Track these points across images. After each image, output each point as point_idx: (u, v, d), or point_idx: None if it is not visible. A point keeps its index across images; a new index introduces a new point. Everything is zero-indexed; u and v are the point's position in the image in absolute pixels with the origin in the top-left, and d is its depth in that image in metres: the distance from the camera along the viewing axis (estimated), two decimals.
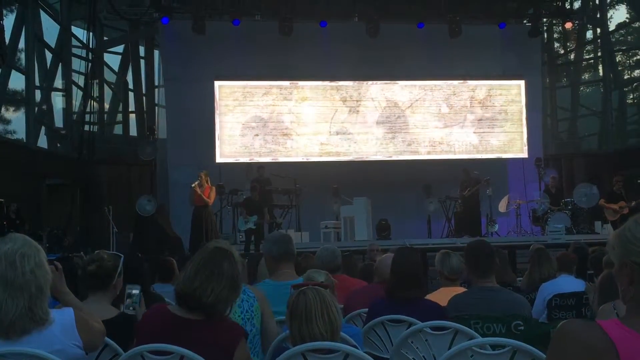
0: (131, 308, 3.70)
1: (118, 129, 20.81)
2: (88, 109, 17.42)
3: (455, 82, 18.13)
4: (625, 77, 24.67)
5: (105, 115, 20.09)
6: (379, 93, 17.86)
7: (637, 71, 26.54)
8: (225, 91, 17.32)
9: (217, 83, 17.15)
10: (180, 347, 2.86)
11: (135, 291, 3.79)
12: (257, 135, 17.26)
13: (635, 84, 24.69)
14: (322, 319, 2.95)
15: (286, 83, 17.55)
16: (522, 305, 4.37)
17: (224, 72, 17.26)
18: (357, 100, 17.72)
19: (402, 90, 17.94)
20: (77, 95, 17.84)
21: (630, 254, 1.90)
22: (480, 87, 18.21)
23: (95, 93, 18.08)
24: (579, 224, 15.23)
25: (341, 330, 3.11)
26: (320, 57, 17.40)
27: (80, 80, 17.86)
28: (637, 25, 25.05)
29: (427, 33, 17.76)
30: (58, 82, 18.21)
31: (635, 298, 1.91)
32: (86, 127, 17.35)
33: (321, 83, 17.69)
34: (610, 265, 5.05)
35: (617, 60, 23.14)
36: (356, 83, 17.82)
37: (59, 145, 18.11)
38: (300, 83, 17.62)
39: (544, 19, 19.91)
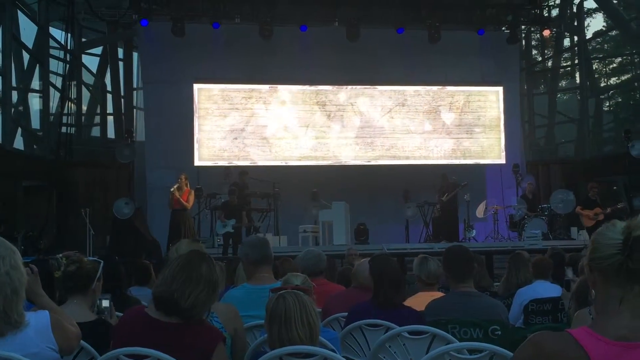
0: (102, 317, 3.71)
1: (95, 131, 20.66)
2: (65, 111, 17.29)
3: (434, 88, 18.21)
4: (602, 84, 24.97)
5: (83, 117, 19.93)
6: (359, 98, 17.89)
7: (613, 79, 26.87)
8: (204, 94, 17.26)
9: (196, 86, 17.09)
10: (157, 350, 2.84)
11: (106, 304, 3.79)
12: (235, 138, 17.22)
13: (611, 91, 24.98)
14: (301, 323, 2.95)
15: (265, 87, 17.52)
16: (500, 310, 4.40)
17: (203, 75, 17.20)
18: (336, 105, 17.74)
19: (382, 95, 17.99)
20: (54, 96, 17.66)
21: (592, 255, 1.94)
22: (459, 93, 18.30)
23: (73, 95, 17.96)
24: (555, 230, 15.35)
25: (320, 334, 3.11)
26: (300, 62, 17.39)
27: (58, 82, 17.71)
28: (613, 33, 25.36)
29: (407, 38, 17.78)
30: (35, 83, 18.04)
31: (598, 301, 1.94)
32: (63, 129, 17.23)
33: (301, 87, 17.68)
34: None
35: (594, 68, 23.40)
36: (335, 87, 17.84)
37: (35, 146, 17.94)
38: (280, 87, 17.59)
39: (523, 26, 20.06)
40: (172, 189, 13.57)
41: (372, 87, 17.97)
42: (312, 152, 17.50)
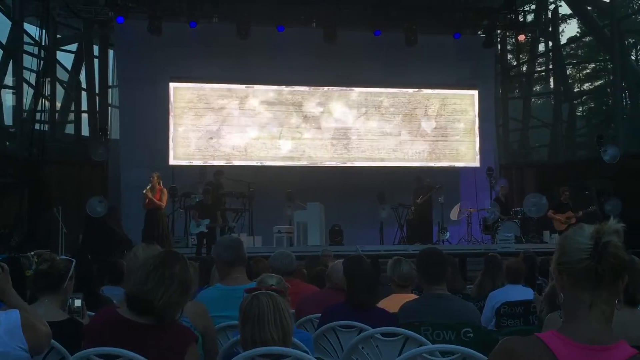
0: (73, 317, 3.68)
1: (69, 129, 20.45)
2: (39, 108, 17.11)
3: (410, 91, 18.28)
4: (575, 90, 25.25)
5: (57, 114, 19.70)
6: (335, 99, 17.92)
7: (586, 84, 27.20)
8: (180, 93, 17.19)
9: (172, 85, 17.01)
10: (129, 350, 2.82)
11: (78, 304, 3.76)
12: (211, 138, 17.17)
13: (584, 97, 25.27)
14: (274, 325, 2.94)
15: (242, 87, 17.49)
16: (472, 313, 4.43)
17: (180, 74, 17.12)
18: (312, 106, 17.75)
19: (358, 97, 18.03)
20: (28, 93, 17.46)
21: (560, 259, 1.96)
22: (435, 96, 18.39)
23: (47, 91, 17.75)
24: (528, 233, 15.47)
25: (293, 335, 3.11)
26: (276, 62, 17.36)
27: (32, 78, 17.49)
28: (587, 39, 25.66)
29: (384, 41, 17.83)
30: (9, 79, 17.81)
31: (566, 305, 1.97)
32: (37, 126, 17.03)
33: (277, 88, 17.67)
34: None
35: (568, 73, 23.65)
36: (312, 89, 17.86)
37: (8, 143, 17.73)
38: (256, 87, 17.57)
39: (498, 31, 20.21)
40: (144, 191, 13.49)
41: (348, 89, 18.01)
42: (288, 153, 17.50)
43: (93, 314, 3.71)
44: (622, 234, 1.93)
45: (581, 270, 1.90)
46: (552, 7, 21.66)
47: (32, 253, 3.96)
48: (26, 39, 17.93)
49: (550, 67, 22.53)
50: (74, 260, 3.86)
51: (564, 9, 22.91)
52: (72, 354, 3.10)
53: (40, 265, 3.71)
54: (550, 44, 21.90)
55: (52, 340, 3.18)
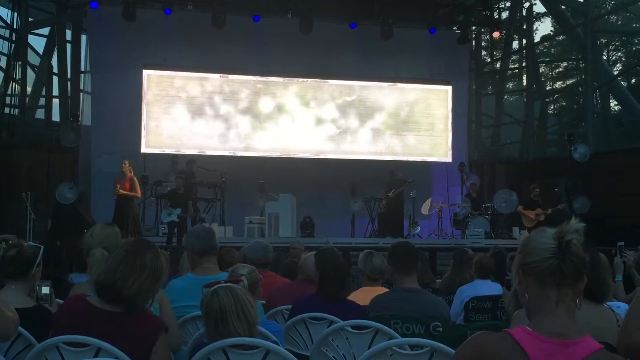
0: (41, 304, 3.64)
1: (40, 114, 20.17)
2: (9, 91, 16.88)
3: (385, 84, 18.32)
4: (548, 88, 25.51)
5: (27, 99, 19.43)
6: (309, 91, 17.91)
7: (558, 83, 27.49)
8: (154, 81, 17.07)
9: (145, 72, 16.89)
10: (97, 339, 2.80)
11: (46, 291, 3.72)
12: (184, 126, 17.08)
13: (556, 95, 25.53)
14: (237, 319, 2.91)
15: (216, 76, 17.40)
16: (441, 307, 4.46)
17: (153, 62, 17.00)
18: (286, 97, 17.72)
19: (332, 90, 18.03)
20: None
21: (525, 260, 2.01)
22: (409, 90, 18.46)
23: (18, 75, 17.51)
24: (497, 229, 15.60)
25: (258, 325, 3.09)
26: (251, 52, 17.30)
27: (2, 61, 17.26)
28: (560, 38, 25.91)
29: (360, 34, 17.85)
30: None
31: (532, 302, 2.01)
32: (6, 110, 16.81)
33: (251, 78, 17.62)
34: None
35: (541, 72, 23.87)
36: (286, 80, 17.83)
37: None
38: (231, 77, 17.50)
39: (473, 27, 20.31)
40: (117, 188, 13.29)
41: (322, 80, 18.01)
42: (261, 143, 17.46)
43: (61, 301, 3.68)
44: (582, 233, 1.99)
45: (546, 269, 1.96)
46: (526, 5, 21.83)
47: None
48: None
49: (524, 64, 22.71)
50: (42, 246, 3.82)
51: (539, 7, 23.13)
52: (39, 342, 3.07)
53: (8, 251, 3.67)
54: (524, 41, 22.07)
55: (20, 328, 3.14)
